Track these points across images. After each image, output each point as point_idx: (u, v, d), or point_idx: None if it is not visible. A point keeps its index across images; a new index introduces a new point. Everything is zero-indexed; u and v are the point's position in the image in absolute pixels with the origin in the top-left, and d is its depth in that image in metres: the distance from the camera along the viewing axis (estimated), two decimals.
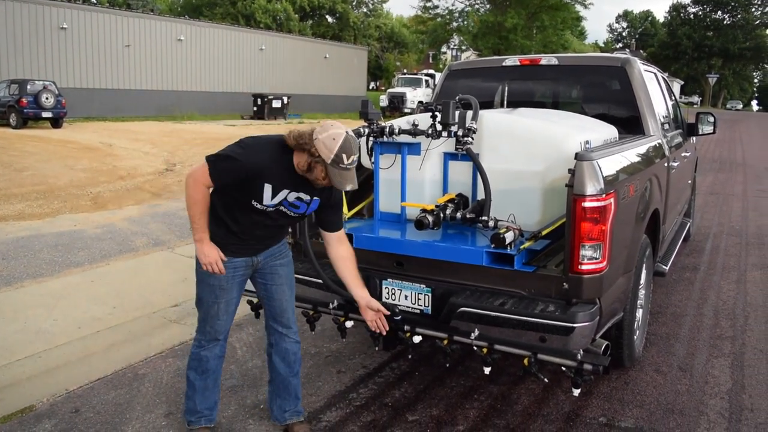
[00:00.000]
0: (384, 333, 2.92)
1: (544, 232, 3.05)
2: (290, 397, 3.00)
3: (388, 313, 2.89)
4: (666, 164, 4.23)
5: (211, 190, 2.60)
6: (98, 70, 25.22)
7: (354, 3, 55.79)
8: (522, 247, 2.90)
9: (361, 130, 3.46)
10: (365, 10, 57.98)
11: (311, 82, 35.37)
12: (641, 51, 73.16)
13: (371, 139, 3.50)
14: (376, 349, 3.63)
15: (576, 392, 2.83)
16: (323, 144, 2.43)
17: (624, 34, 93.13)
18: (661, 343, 4.16)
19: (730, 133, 26.70)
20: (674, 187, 4.66)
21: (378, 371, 3.71)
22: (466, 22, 46.76)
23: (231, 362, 3.77)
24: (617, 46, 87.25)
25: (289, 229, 3.28)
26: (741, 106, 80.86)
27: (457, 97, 3.42)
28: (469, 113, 3.24)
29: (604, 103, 4.64)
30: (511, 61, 4.84)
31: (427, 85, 33.75)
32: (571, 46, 48.93)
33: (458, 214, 3.13)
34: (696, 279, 5.66)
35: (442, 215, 3.11)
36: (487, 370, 2.93)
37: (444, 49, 56.96)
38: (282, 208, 2.63)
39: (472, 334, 2.83)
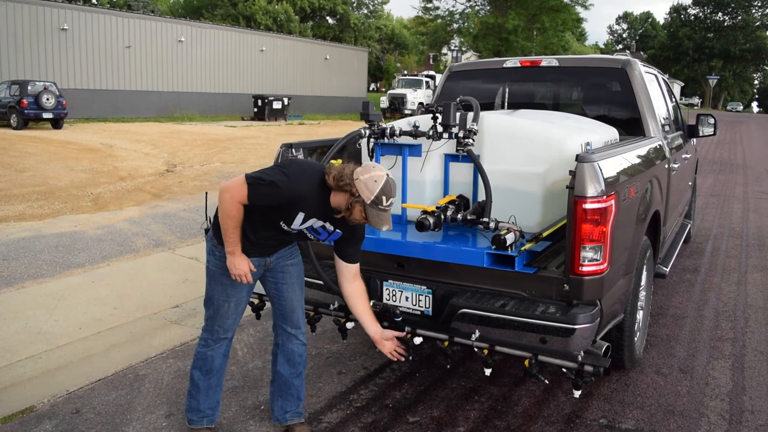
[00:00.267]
0: (404, 360, 2.98)
1: (544, 234, 3.05)
2: (292, 397, 3.01)
3: (402, 334, 2.96)
4: (666, 166, 4.23)
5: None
6: (99, 71, 25.20)
7: (354, 4, 55.80)
8: (523, 248, 2.90)
9: (362, 131, 3.47)
10: (366, 11, 58.01)
11: (312, 83, 35.39)
12: (641, 52, 73.12)
13: (372, 140, 3.51)
14: (377, 350, 3.63)
15: (576, 394, 2.83)
16: (364, 185, 2.48)
17: (624, 35, 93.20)
18: (662, 344, 4.16)
19: (731, 134, 26.73)
20: (675, 189, 4.66)
21: (379, 372, 3.72)
22: (466, 24, 46.77)
23: (232, 363, 3.77)
24: (617, 48, 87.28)
25: None
26: (741, 107, 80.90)
27: (457, 99, 3.43)
28: (470, 115, 3.24)
29: (604, 105, 4.64)
30: (512, 62, 4.84)
31: (428, 87, 33.73)
32: (572, 47, 48.94)
33: (459, 216, 3.13)
34: (696, 281, 5.67)
35: (442, 217, 3.11)
36: (487, 372, 2.93)
37: (444, 50, 56.94)
38: (305, 231, 2.69)
39: (473, 336, 2.84)
